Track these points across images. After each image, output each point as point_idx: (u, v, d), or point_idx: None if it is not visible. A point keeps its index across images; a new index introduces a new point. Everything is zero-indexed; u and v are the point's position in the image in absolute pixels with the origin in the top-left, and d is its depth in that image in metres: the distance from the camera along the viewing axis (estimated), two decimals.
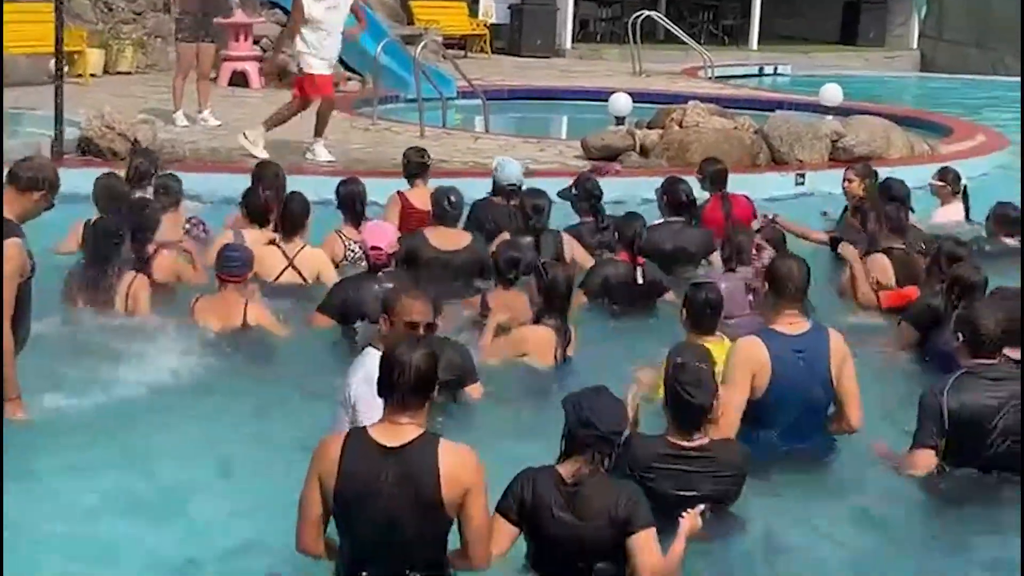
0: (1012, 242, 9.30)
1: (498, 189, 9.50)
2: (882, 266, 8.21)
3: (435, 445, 4.40)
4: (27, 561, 4.74)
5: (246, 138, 12.85)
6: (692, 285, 6.66)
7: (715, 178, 9.85)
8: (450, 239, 8.28)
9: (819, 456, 6.01)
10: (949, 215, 10.30)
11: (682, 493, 5.02)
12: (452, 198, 8.39)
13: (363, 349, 5.64)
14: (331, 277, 8.13)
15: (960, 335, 5.79)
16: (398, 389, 4.38)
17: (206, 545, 5.06)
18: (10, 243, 5.86)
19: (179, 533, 5.22)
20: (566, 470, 4.59)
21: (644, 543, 4.60)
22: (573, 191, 9.45)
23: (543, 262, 7.44)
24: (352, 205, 9.01)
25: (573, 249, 8.71)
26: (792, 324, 5.85)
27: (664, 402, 5.21)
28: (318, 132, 13.09)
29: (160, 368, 6.95)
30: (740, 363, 5.75)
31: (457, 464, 4.41)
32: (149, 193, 8.98)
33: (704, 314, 6.30)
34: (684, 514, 4.82)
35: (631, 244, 8.28)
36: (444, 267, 8.11)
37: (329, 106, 13.16)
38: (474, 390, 6.43)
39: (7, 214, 5.97)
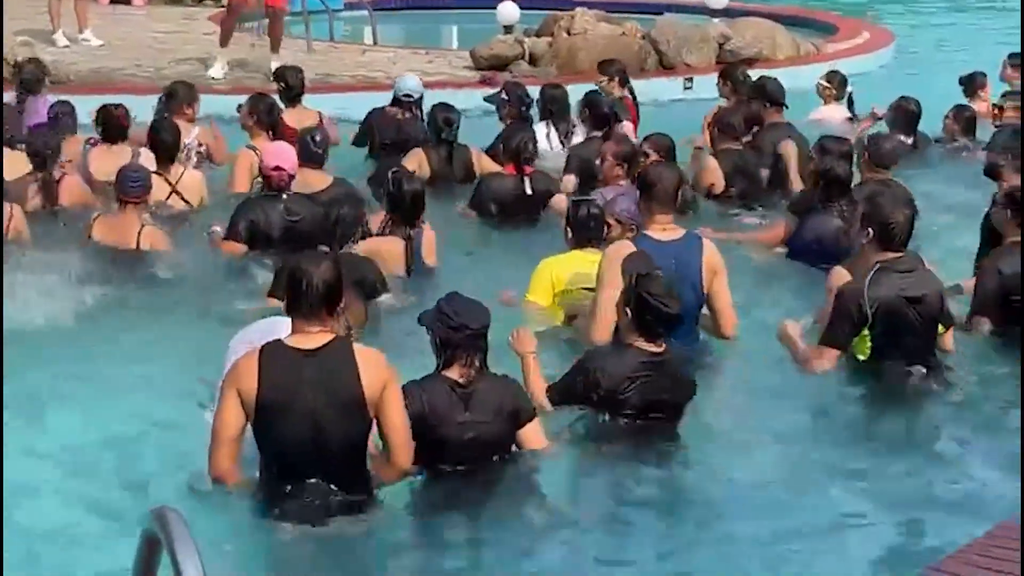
0: (907, 139, 9.73)
1: (395, 99, 9.64)
2: (711, 168, 8.76)
3: (350, 346, 4.60)
4: None
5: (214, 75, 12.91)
6: (573, 202, 7.06)
7: (625, 78, 10.41)
8: (315, 180, 8.16)
9: (696, 358, 6.21)
10: (831, 113, 10.88)
11: (653, 398, 5.33)
12: (316, 138, 8.40)
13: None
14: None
15: (870, 231, 5.98)
16: (307, 299, 4.52)
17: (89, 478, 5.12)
18: None
19: (60, 463, 5.26)
20: (455, 375, 4.87)
21: (534, 433, 5.07)
22: (503, 95, 9.60)
23: (394, 171, 7.59)
24: (261, 113, 9.03)
25: (481, 162, 8.96)
26: (665, 230, 6.16)
27: (630, 313, 5.39)
28: (274, 46, 13.12)
29: (57, 291, 7.05)
30: (611, 263, 5.96)
31: (372, 361, 4.58)
32: (43, 101, 9.31)
33: (587, 227, 6.61)
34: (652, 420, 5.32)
35: (517, 155, 8.47)
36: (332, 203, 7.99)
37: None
38: (389, 300, 6.71)
39: None
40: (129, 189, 7.57)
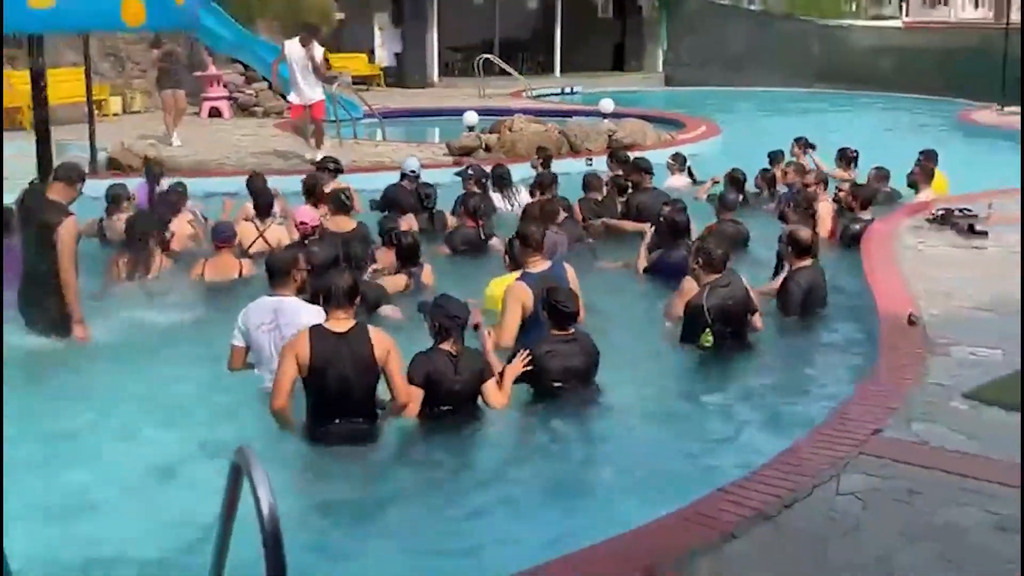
0: (739, 195, 11.45)
1: (403, 175, 11.63)
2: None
3: (366, 328, 5.76)
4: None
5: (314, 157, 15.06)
6: (508, 240, 7.97)
7: (548, 159, 12.78)
8: (344, 224, 9.48)
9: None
10: (675, 182, 13.50)
11: (566, 365, 6.35)
12: (345, 195, 9.78)
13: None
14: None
15: (700, 261, 7.36)
16: (336, 298, 5.74)
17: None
18: (71, 219, 7.29)
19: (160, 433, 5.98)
20: (448, 347, 5.98)
21: (492, 386, 6.15)
22: (468, 172, 11.74)
23: (396, 232, 8.98)
24: (308, 192, 10.54)
25: (448, 220, 10.83)
26: (536, 264, 7.34)
27: (545, 315, 6.49)
28: (317, 142, 16.19)
29: (174, 310, 8.05)
30: (512, 299, 7.08)
31: (380, 337, 5.75)
32: (144, 186, 10.87)
33: (520, 253, 7.53)
34: (561, 384, 6.29)
35: (474, 213, 10.25)
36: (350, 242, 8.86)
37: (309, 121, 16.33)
38: (389, 311, 7.83)
39: (59, 199, 7.40)
40: (219, 235, 8.91)
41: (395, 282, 8.49)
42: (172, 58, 18.84)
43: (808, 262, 8.10)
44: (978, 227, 10.47)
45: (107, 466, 5.64)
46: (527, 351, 6.32)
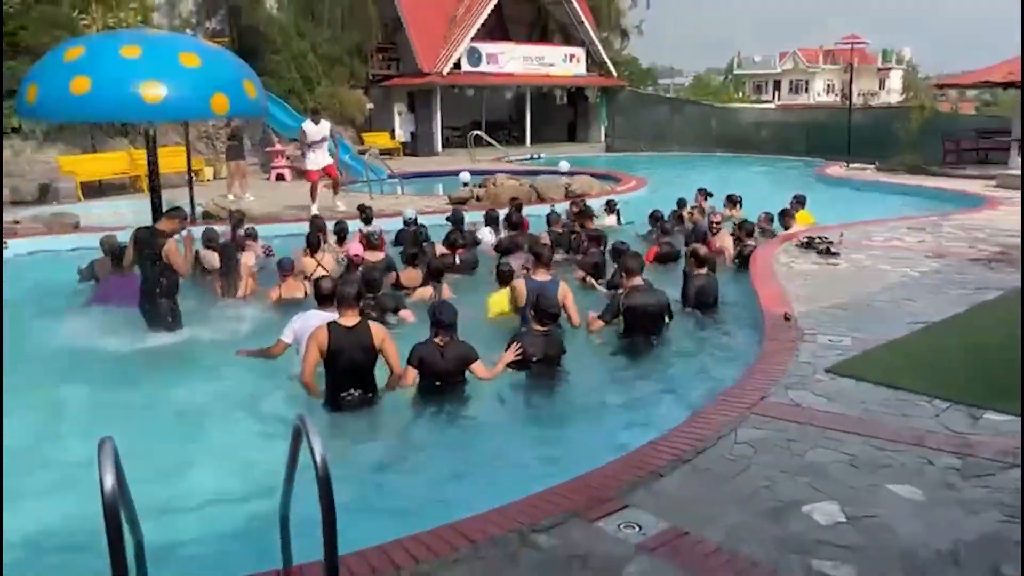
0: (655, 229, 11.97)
1: (406, 222, 11.64)
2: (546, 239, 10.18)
3: (367, 323, 5.76)
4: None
5: (340, 205, 15.25)
6: (498, 263, 8.24)
7: (520, 205, 12.70)
8: (375, 256, 9.38)
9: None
10: (608, 221, 13.35)
11: (542, 351, 6.35)
12: (375, 236, 9.66)
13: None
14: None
15: (623, 274, 7.44)
16: (346, 300, 5.73)
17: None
18: (171, 240, 7.37)
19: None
20: (437, 340, 5.95)
21: (478, 366, 6.04)
22: (452, 216, 11.97)
23: (430, 261, 8.86)
24: (338, 233, 10.67)
25: (437, 249, 10.03)
26: (542, 275, 7.41)
27: (531, 315, 6.47)
28: (335, 192, 15.83)
29: (255, 320, 8.01)
30: (519, 286, 7.37)
31: (379, 329, 5.78)
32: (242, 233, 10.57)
33: (503, 276, 7.83)
34: (542, 366, 6.24)
35: (452, 245, 9.88)
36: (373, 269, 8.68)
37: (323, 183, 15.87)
38: (405, 314, 7.71)
39: (165, 229, 7.43)
40: (282, 268, 8.82)
41: (422, 293, 8.46)
42: (236, 136, 18.76)
43: (704, 271, 8.16)
44: (833, 249, 10.53)
45: (207, 431, 5.64)
46: (518, 343, 6.27)
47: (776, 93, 73.05)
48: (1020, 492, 4.03)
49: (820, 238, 11.04)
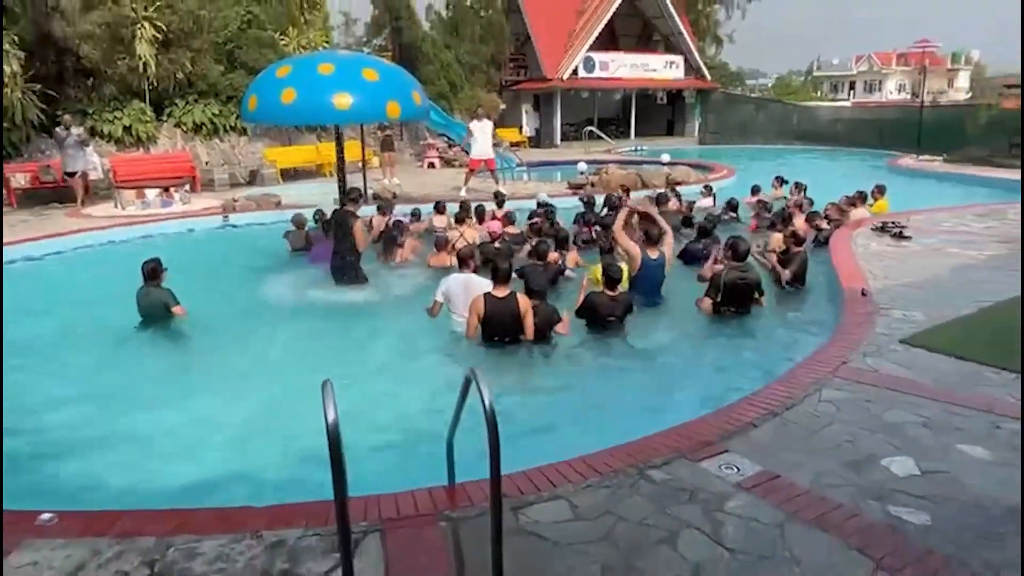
0: (730, 215, 11.22)
1: (539, 204, 11.47)
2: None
3: (515, 295, 5.76)
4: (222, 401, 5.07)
5: (465, 190, 14.87)
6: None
7: (627, 191, 12.01)
8: (512, 231, 9.28)
9: (662, 309, 6.94)
10: (705, 202, 12.78)
11: (609, 316, 6.20)
12: (509, 213, 9.66)
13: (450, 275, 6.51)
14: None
15: (729, 252, 6.85)
16: (501, 275, 5.79)
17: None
18: (359, 219, 7.61)
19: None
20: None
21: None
22: (582, 199, 11.25)
23: (560, 231, 8.74)
24: (477, 213, 9.96)
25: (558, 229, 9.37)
26: (653, 252, 6.98)
27: (602, 281, 6.29)
28: (466, 181, 15.56)
29: (413, 283, 8.09)
30: (623, 238, 7.08)
31: (523, 300, 5.79)
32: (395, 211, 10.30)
33: (607, 277, 6.46)
34: (611, 321, 6.01)
35: (586, 223, 9.67)
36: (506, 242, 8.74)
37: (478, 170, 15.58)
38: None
39: (352, 209, 7.65)
40: (438, 244, 8.90)
41: (551, 259, 8.02)
42: (390, 132, 19.11)
43: (800, 249, 7.74)
44: (905, 233, 9.90)
45: (387, 371, 5.69)
46: (589, 302, 6.17)
47: (851, 92, 68.51)
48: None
49: (893, 223, 10.31)
